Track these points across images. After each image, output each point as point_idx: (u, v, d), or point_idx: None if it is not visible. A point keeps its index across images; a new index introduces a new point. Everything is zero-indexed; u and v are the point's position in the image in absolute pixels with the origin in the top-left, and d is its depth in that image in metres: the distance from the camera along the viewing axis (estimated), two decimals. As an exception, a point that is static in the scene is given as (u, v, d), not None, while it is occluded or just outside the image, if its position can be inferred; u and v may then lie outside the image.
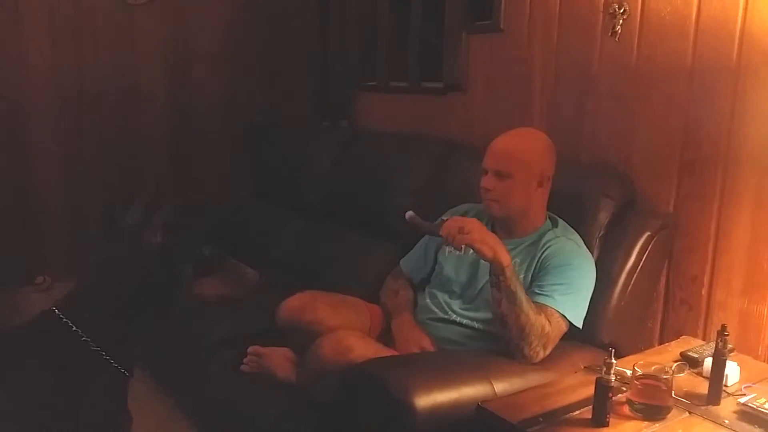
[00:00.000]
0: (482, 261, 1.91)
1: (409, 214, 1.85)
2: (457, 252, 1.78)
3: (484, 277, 1.89)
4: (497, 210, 1.89)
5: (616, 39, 2.10)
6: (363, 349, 1.75)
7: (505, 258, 1.67)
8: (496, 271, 1.67)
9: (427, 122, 2.91)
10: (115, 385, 1.45)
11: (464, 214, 2.08)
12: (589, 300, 1.81)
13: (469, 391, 1.54)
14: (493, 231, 1.96)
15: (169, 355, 2.55)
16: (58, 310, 1.40)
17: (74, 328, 1.38)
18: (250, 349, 2.10)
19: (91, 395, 1.39)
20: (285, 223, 3.07)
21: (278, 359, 2.04)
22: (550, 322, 1.71)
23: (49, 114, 3.34)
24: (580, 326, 1.77)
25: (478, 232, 1.67)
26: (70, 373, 1.37)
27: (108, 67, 3.43)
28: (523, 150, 1.88)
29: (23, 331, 1.41)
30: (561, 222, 1.92)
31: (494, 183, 1.86)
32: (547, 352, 1.70)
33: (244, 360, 2.10)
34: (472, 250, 1.75)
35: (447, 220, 1.75)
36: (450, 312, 1.92)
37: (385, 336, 2.01)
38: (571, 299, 1.76)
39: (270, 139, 3.42)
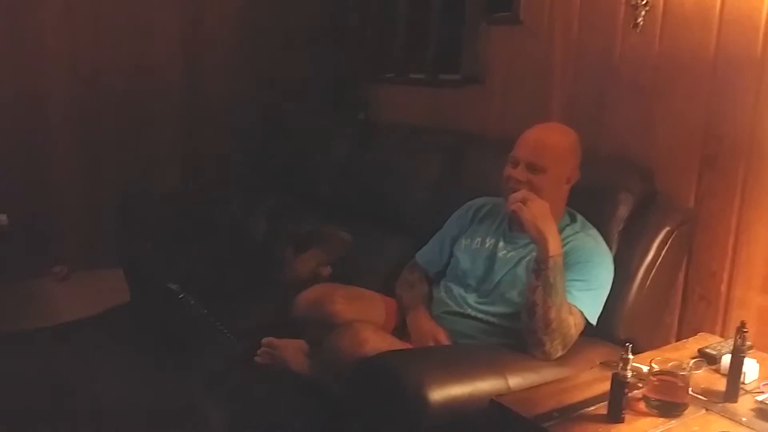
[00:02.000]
0: (498, 255, 1.91)
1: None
2: (487, 245, 1.84)
3: (500, 270, 1.88)
4: None
5: (638, 31, 2.07)
6: (378, 342, 1.75)
7: (552, 247, 1.64)
8: (540, 257, 1.66)
9: (445, 115, 2.89)
10: (221, 351, 1.50)
11: (481, 208, 2.07)
12: (606, 297, 1.79)
13: (484, 386, 1.54)
14: (510, 224, 1.96)
15: (183, 345, 2.57)
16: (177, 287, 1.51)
17: (192, 302, 1.45)
18: (265, 340, 2.10)
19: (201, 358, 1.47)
20: (299, 215, 3.07)
21: (292, 351, 2.05)
22: (574, 322, 1.69)
23: (64, 101, 3.36)
24: (595, 323, 1.76)
25: (534, 209, 1.66)
26: (183, 339, 1.44)
27: (124, 55, 3.45)
28: (557, 146, 1.85)
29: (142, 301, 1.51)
30: (579, 217, 1.90)
31: (526, 175, 1.82)
32: (565, 350, 1.68)
33: (258, 351, 2.10)
34: (492, 243, 1.75)
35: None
36: (465, 306, 1.91)
37: (400, 329, 2.00)
38: (589, 296, 1.74)
39: (285, 130, 3.42)
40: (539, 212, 1.67)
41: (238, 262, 2.78)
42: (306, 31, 3.72)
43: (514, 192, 1.83)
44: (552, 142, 1.86)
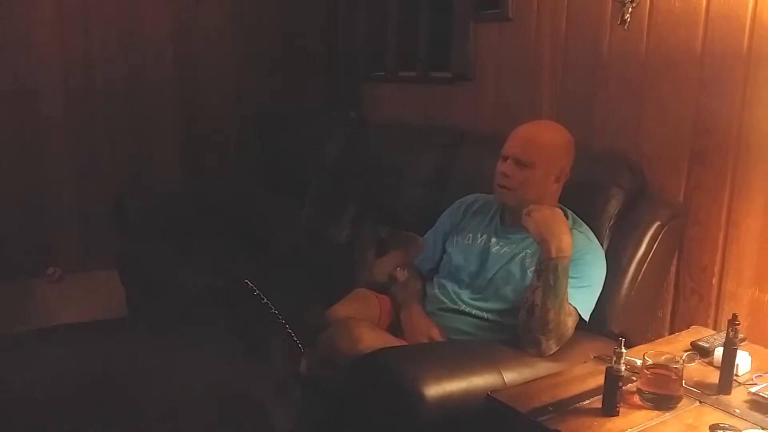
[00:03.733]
0: (492, 251, 1.92)
1: None
2: (479, 240, 1.88)
3: (493, 266, 1.89)
4: (509, 198, 1.88)
5: (626, 27, 2.08)
6: (372, 339, 1.75)
7: (554, 248, 1.65)
8: (541, 259, 1.67)
9: (436, 112, 2.90)
10: (290, 355, 1.48)
11: (472, 204, 2.08)
12: (598, 294, 1.81)
13: (479, 381, 1.54)
14: (502, 220, 1.97)
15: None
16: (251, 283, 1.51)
17: (264, 300, 1.45)
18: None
19: (270, 360, 1.47)
20: (293, 214, 3.07)
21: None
22: (572, 321, 1.71)
23: (58, 102, 3.35)
24: (587, 320, 1.77)
25: (538, 216, 1.68)
26: (255, 339, 1.43)
27: (116, 54, 3.44)
28: (547, 143, 1.87)
29: (216, 296, 1.53)
30: (571, 214, 1.91)
31: (513, 170, 1.85)
32: (558, 347, 1.69)
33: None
34: (484, 238, 1.77)
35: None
36: (459, 302, 1.92)
37: (395, 326, 2.01)
38: (582, 292, 1.75)
39: (278, 129, 3.42)
40: (541, 217, 1.68)
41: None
42: (300, 30, 3.72)
43: (502, 187, 1.85)
44: (542, 139, 1.87)
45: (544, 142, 1.87)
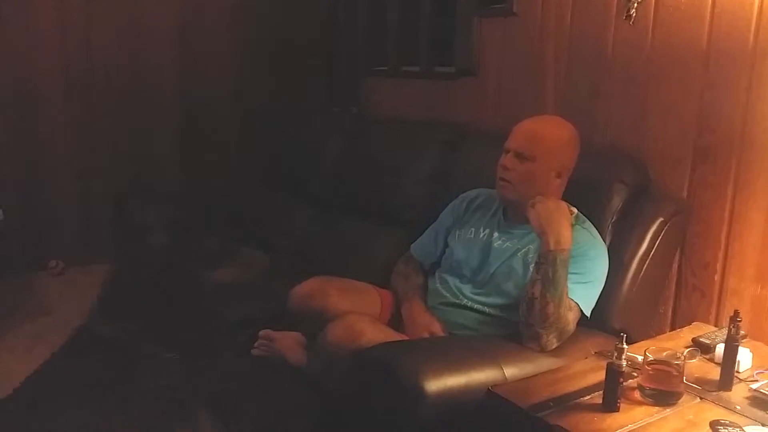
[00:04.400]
0: (494, 245, 1.92)
1: None
2: (481, 235, 1.86)
3: (495, 261, 1.89)
4: (509, 192, 1.88)
5: (631, 22, 2.07)
6: (373, 333, 1.75)
7: (553, 241, 1.65)
8: (540, 251, 1.68)
9: (438, 107, 2.89)
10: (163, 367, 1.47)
11: (475, 199, 2.08)
12: (600, 290, 1.80)
13: (479, 376, 1.54)
14: (505, 215, 1.97)
15: (181, 335, 2.57)
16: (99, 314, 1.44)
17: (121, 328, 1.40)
18: (262, 332, 2.11)
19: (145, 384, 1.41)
20: (293, 209, 3.08)
21: (289, 343, 2.05)
22: (573, 316, 1.70)
23: (59, 95, 3.35)
24: (589, 316, 1.77)
25: (541, 209, 1.70)
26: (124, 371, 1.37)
27: (117, 53, 3.44)
28: (549, 137, 1.86)
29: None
30: (575, 210, 1.90)
31: (514, 163, 1.85)
32: (560, 343, 1.69)
33: (256, 344, 2.10)
34: (486, 233, 1.76)
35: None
36: (461, 296, 1.92)
37: (396, 321, 2.01)
38: (584, 288, 1.75)
39: (278, 125, 3.41)
40: (543, 210, 1.70)
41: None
42: (300, 25, 3.71)
43: (502, 180, 1.85)
44: (544, 133, 1.87)
45: (546, 136, 1.86)
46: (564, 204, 1.76)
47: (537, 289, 1.66)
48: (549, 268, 1.65)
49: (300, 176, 3.14)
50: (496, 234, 1.94)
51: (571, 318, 1.70)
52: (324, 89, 3.63)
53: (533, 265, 1.72)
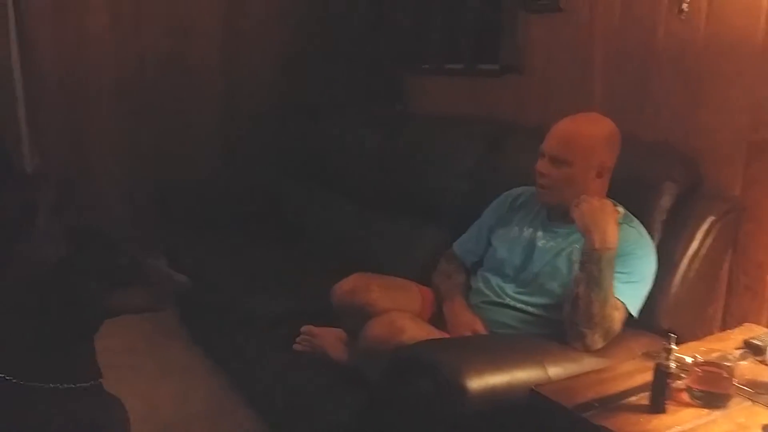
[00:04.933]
0: (538, 244, 1.89)
1: None
2: (525, 233, 1.85)
3: (539, 261, 1.86)
4: (548, 197, 1.85)
5: (683, 17, 2.02)
6: (415, 330, 1.74)
7: (598, 239, 1.63)
8: (585, 250, 1.65)
9: (483, 105, 2.87)
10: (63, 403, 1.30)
11: (518, 197, 2.05)
12: (648, 290, 1.76)
13: (522, 375, 1.52)
14: (549, 215, 1.93)
15: (222, 333, 2.61)
16: None
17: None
18: (304, 328, 2.13)
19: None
20: (333, 206, 3.10)
21: (330, 339, 2.06)
22: (619, 315, 1.67)
23: (106, 92, 3.48)
24: (636, 316, 1.73)
25: (585, 208, 1.68)
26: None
27: (164, 46, 3.53)
28: (586, 136, 1.80)
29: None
30: (621, 208, 1.86)
31: (550, 169, 1.81)
32: (605, 343, 1.66)
33: (297, 339, 2.12)
34: (530, 231, 1.74)
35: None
36: (503, 295, 1.90)
37: (437, 319, 2.00)
38: (631, 288, 1.71)
39: (319, 122, 3.44)
40: (588, 208, 1.67)
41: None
42: (343, 22, 3.73)
43: (540, 186, 1.82)
44: (579, 134, 1.81)
45: (581, 137, 1.81)
46: (609, 202, 1.72)
47: (581, 289, 1.63)
48: (594, 267, 1.62)
49: (341, 173, 3.16)
50: (540, 233, 1.91)
51: (617, 317, 1.66)
52: (366, 87, 3.64)
53: (577, 264, 1.69)
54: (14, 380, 1.24)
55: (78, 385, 1.31)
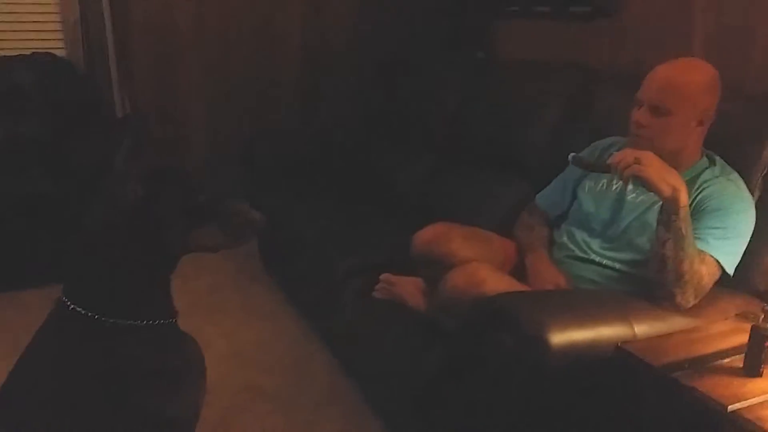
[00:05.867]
0: (627, 198, 1.82)
1: (572, 155, 1.74)
2: (614, 187, 1.68)
3: (628, 215, 1.79)
4: (648, 149, 1.73)
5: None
6: (496, 282, 1.72)
7: (683, 197, 1.53)
8: (670, 209, 1.54)
9: (572, 50, 2.75)
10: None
11: (608, 148, 1.97)
12: (745, 247, 1.67)
13: (608, 332, 1.48)
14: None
15: (303, 280, 2.66)
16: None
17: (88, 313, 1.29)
18: (382, 276, 2.14)
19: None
20: (414, 158, 3.06)
21: (409, 288, 2.07)
22: (708, 271, 1.59)
23: (195, 47, 3.53)
24: (732, 274, 1.64)
25: (657, 166, 1.54)
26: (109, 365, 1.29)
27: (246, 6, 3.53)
28: (687, 83, 1.69)
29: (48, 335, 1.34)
30: (719, 161, 1.76)
31: (649, 118, 1.71)
32: (697, 300, 1.59)
33: (376, 287, 2.14)
34: (619, 185, 1.66)
35: (617, 152, 1.60)
36: (588, 251, 1.84)
37: (518, 273, 1.96)
38: (727, 244, 1.63)
39: (401, 73, 3.39)
40: (660, 164, 1.54)
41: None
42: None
43: (638, 136, 1.73)
44: (680, 80, 1.70)
45: (682, 84, 1.69)
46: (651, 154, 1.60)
47: (669, 249, 1.55)
48: (682, 225, 1.54)
49: (422, 123, 3.11)
50: (630, 186, 1.83)
51: (705, 272, 1.59)
52: (450, 33, 3.55)
53: (658, 224, 1.59)
54: (96, 315, 1.29)
55: (155, 322, 1.35)
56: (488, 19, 3.26)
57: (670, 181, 1.53)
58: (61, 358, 1.30)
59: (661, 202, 1.72)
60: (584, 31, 2.68)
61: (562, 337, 1.43)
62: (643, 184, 1.55)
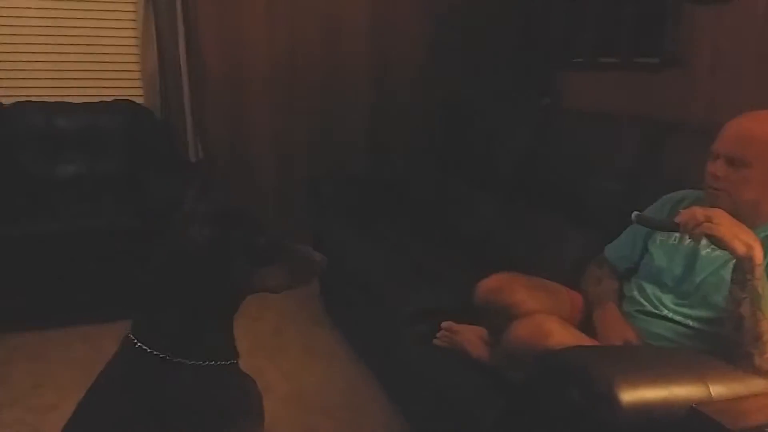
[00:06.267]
0: (701, 253, 1.77)
1: (635, 214, 1.70)
2: (687, 242, 1.65)
3: (703, 271, 1.74)
4: (723, 202, 1.68)
5: None
6: (562, 335, 1.68)
7: (758, 254, 1.48)
8: (746, 268, 1.50)
9: (639, 101, 2.73)
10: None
11: (679, 202, 1.93)
12: None
13: (681, 391, 1.42)
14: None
15: (363, 323, 2.67)
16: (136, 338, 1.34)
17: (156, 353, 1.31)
18: (445, 324, 2.12)
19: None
20: (479, 200, 3.07)
21: (472, 337, 2.04)
22: None
23: (263, 83, 3.67)
24: None
25: (728, 224, 1.49)
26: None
27: (316, 45, 3.68)
28: (765, 135, 1.65)
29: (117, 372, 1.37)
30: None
31: (726, 171, 1.67)
32: None
33: (438, 334, 2.12)
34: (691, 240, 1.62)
35: (684, 210, 1.57)
36: (661, 306, 1.79)
37: (586, 326, 1.92)
38: None
39: (466, 115, 3.42)
40: (731, 221, 1.50)
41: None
42: (491, 15, 3.70)
43: (714, 188, 1.68)
44: (757, 132, 1.66)
45: (761, 135, 1.65)
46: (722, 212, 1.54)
47: (746, 309, 1.50)
48: (758, 284, 1.49)
49: (487, 166, 3.12)
50: (704, 241, 1.77)
51: None
52: (514, 80, 3.58)
53: (733, 284, 1.54)
54: (161, 355, 1.32)
55: (218, 362, 1.37)
56: (554, 68, 3.27)
57: (743, 238, 1.48)
58: (124, 396, 1.33)
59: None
60: (652, 83, 2.67)
61: (633, 395, 1.38)
62: (715, 242, 1.51)
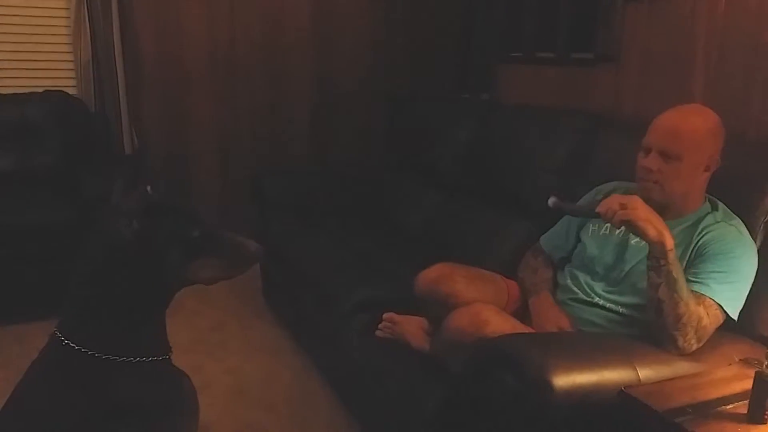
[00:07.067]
0: (631, 242, 1.83)
1: (552, 200, 1.74)
2: (617, 231, 1.69)
3: (632, 259, 1.80)
4: (657, 194, 1.74)
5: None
6: (499, 323, 1.72)
7: (669, 240, 1.55)
8: (658, 253, 1.56)
9: (574, 95, 2.80)
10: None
11: (611, 192, 1.98)
12: (747, 290, 1.68)
13: (611, 375, 1.48)
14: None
15: (307, 317, 2.66)
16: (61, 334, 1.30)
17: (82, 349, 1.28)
18: (386, 315, 2.14)
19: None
20: (421, 194, 3.10)
21: (412, 327, 2.07)
22: (707, 313, 1.60)
23: (204, 72, 3.62)
24: (736, 318, 1.65)
25: (642, 209, 1.56)
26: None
27: (257, 38, 3.63)
28: (696, 130, 1.72)
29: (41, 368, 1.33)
30: (721, 206, 1.78)
31: (659, 164, 1.73)
32: (701, 344, 1.59)
33: (379, 326, 2.14)
34: (622, 230, 1.67)
35: (604, 198, 1.63)
36: (593, 294, 1.85)
37: (521, 313, 1.97)
38: (729, 288, 1.63)
39: (408, 110, 3.44)
40: (645, 208, 1.57)
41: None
42: (433, 10, 3.73)
43: (647, 181, 1.75)
44: (688, 126, 1.73)
45: (691, 129, 1.72)
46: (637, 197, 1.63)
47: (663, 293, 1.57)
48: (672, 268, 1.56)
49: (429, 161, 3.15)
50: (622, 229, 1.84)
51: (703, 313, 1.59)
52: (455, 75, 3.62)
53: (648, 270, 1.61)
54: (89, 352, 1.28)
55: (149, 359, 1.35)
56: (493, 62, 3.32)
57: (655, 223, 1.55)
58: (51, 394, 1.29)
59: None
60: (587, 77, 2.74)
61: (565, 380, 1.43)
62: (630, 228, 1.58)
